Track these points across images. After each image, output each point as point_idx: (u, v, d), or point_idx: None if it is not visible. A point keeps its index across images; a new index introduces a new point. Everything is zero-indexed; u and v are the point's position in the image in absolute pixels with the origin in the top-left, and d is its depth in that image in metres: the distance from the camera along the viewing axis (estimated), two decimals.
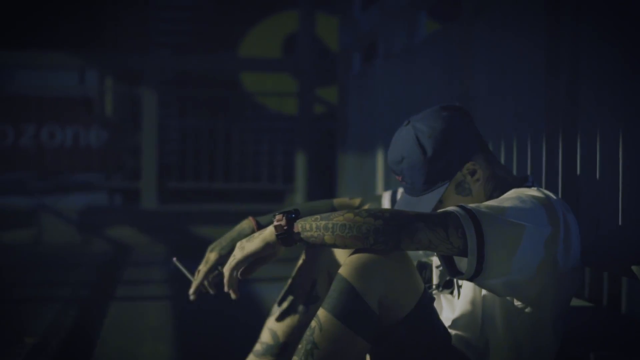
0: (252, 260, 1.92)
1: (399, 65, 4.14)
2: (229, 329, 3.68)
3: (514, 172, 2.66)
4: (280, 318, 2.26)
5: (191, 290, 2.28)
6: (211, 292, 2.31)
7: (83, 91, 8.54)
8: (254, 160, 7.67)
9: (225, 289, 1.99)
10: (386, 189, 4.24)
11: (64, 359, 3.12)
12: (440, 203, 1.98)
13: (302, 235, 1.84)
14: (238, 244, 1.93)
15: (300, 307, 2.24)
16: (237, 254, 1.92)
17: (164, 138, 7.41)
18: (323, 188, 7.22)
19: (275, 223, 1.87)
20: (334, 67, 8.02)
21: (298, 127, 7.29)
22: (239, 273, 1.94)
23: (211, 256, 2.27)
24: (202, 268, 2.28)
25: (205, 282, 2.30)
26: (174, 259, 2.31)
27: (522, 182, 2.04)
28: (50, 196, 7.84)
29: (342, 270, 1.82)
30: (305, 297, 2.25)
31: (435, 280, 2.15)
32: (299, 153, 7.19)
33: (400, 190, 2.34)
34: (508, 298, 1.92)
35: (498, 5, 2.86)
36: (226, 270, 1.94)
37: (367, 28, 4.92)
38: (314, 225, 1.82)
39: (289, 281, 2.30)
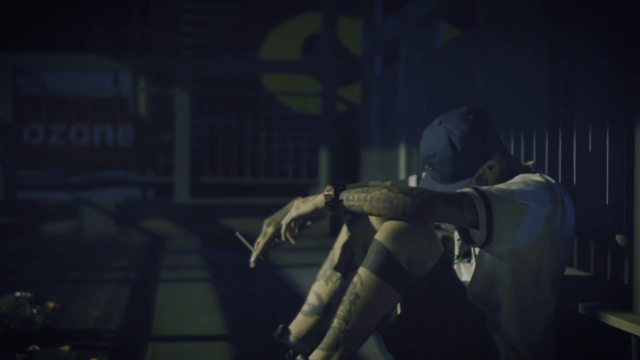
0: (305, 219, 2.38)
1: (419, 68, 4.55)
2: (267, 305, 4.10)
3: (522, 158, 3.06)
4: (324, 283, 2.67)
5: (252, 259, 2.65)
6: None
7: (117, 92, 8.98)
8: (279, 157, 8.10)
9: (282, 238, 2.44)
10: None
11: (128, 327, 3.55)
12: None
13: (345, 204, 2.28)
14: (295, 204, 2.39)
15: (341, 274, 2.66)
16: (293, 212, 2.39)
17: (194, 136, 7.80)
18: (346, 182, 7.61)
19: (325, 192, 2.31)
20: (353, 67, 8.43)
21: (321, 125, 7.65)
22: (296, 228, 2.39)
23: (268, 230, 2.63)
24: (261, 240, 2.64)
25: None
26: (237, 232, 2.72)
27: (527, 169, 2.46)
28: (86, 191, 8.30)
29: (377, 236, 2.26)
30: (345, 266, 2.66)
31: (456, 251, 2.59)
32: (322, 150, 7.58)
33: (424, 173, 2.76)
34: (514, 263, 2.33)
35: (508, 17, 3.27)
36: (284, 223, 2.41)
37: (388, 34, 5.31)
38: (355, 197, 2.26)
39: (331, 253, 2.71)
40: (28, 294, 3.35)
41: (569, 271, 2.86)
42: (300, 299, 2.79)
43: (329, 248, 2.72)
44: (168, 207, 7.39)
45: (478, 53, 3.50)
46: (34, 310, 3.31)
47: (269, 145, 8.14)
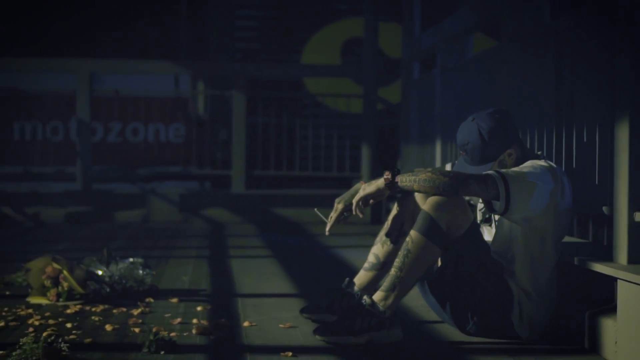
0: (369, 198, 3.16)
1: (453, 75, 5.32)
2: (325, 274, 4.90)
3: (536, 147, 3.83)
4: (380, 246, 3.45)
5: (327, 228, 3.37)
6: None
7: (177, 94, 9.84)
8: (325, 152, 8.92)
9: (354, 212, 3.22)
10: None
11: (216, 288, 4.37)
12: None
13: (399, 184, 3.07)
14: (362, 186, 3.17)
15: (393, 239, 3.43)
16: (361, 192, 3.17)
17: (248, 133, 8.59)
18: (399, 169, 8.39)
19: (385, 176, 3.10)
20: (391, 69, 9.21)
21: (363, 124, 8.43)
22: (361, 203, 3.17)
23: (339, 206, 3.33)
24: (333, 215, 3.34)
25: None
26: (315, 209, 3.52)
27: (537, 157, 3.25)
28: (149, 184, 9.17)
29: (424, 207, 3.05)
30: (397, 233, 3.43)
31: (479, 218, 3.38)
32: (364, 146, 8.37)
33: (457, 161, 3.54)
34: (526, 227, 3.11)
35: (525, 35, 4.04)
36: (354, 201, 3.18)
37: (426, 45, 6.09)
38: (407, 179, 3.06)
39: (386, 223, 3.48)
40: (140, 260, 4.17)
41: (569, 238, 3.63)
42: (351, 269, 3.56)
43: (370, 233, 3.49)
44: (226, 197, 8.23)
45: (501, 64, 4.28)
46: (144, 273, 4.13)
47: (316, 142, 8.99)
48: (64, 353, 2.74)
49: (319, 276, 4.80)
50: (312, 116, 9.60)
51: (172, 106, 9.21)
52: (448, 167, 3.59)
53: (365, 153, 8.31)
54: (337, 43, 10.75)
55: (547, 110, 3.69)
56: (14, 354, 2.76)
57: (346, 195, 3.38)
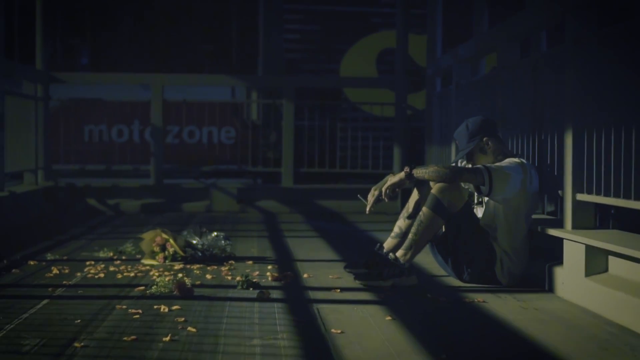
0: (394, 186, 4.47)
1: (464, 91, 6.62)
2: (362, 247, 6.20)
3: (519, 148, 5.10)
4: (402, 221, 4.74)
5: (367, 209, 4.68)
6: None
7: (233, 101, 11.18)
8: (361, 152, 10.26)
9: (382, 197, 4.52)
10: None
11: (278, 255, 5.69)
12: (472, 155, 4.48)
13: (415, 175, 4.38)
14: (389, 178, 4.48)
15: (412, 215, 4.73)
16: (388, 182, 4.48)
17: (295, 135, 9.93)
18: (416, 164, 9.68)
19: (405, 170, 4.41)
20: (420, 77, 10.50)
21: (394, 127, 9.75)
22: (389, 191, 4.48)
23: (375, 192, 4.58)
24: (370, 199, 4.66)
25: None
26: (358, 195, 4.83)
27: (514, 155, 4.54)
28: (209, 179, 10.54)
29: (432, 190, 4.35)
30: (415, 211, 4.72)
31: (475, 201, 4.68)
32: (395, 146, 9.67)
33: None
34: (505, 205, 4.39)
35: (512, 65, 5.33)
36: (383, 189, 4.48)
37: (445, 65, 7.39)
38: (420, 171, 4.37)
39: (407, 204, 4.78)
40: (222, 233, 5.51)
41: (537, 215, 4.91)
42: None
43: None
44: (276, 191, 9.58)
45: (497, 85, 5.57)
46: (225, 243, 5.47)
47: (354, 143, 10.33)
48: (189, 286, 4.09)
49: (357, 249, 6.11)
50: (350, 120, 10.96)
51: (230, 112, 10.59)
52: (453, 163, 4.89)
53: (396, 152, 9.60)
54: (373, 53, 12.02)
55: (526, 121, 4.97)
56: (153, 287, 4.12)
57: (380, 184, 4.65)
